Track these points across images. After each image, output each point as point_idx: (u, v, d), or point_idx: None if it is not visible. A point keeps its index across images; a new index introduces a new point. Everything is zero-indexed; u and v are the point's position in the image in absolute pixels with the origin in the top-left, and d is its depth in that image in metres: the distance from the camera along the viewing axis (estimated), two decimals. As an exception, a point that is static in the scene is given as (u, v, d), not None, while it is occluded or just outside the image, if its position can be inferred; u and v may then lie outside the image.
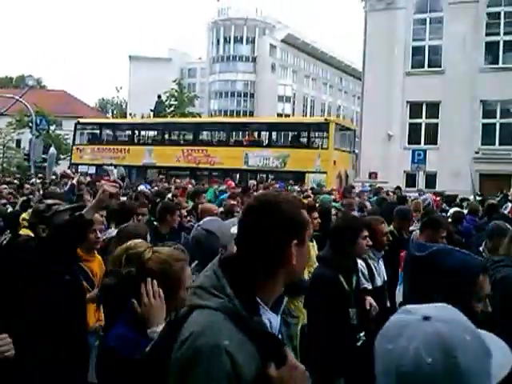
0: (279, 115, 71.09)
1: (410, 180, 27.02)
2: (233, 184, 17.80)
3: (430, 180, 27.37)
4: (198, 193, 9.98)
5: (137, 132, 32.62)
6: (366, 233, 4.50)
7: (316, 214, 6.39)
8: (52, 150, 22.78)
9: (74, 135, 34.12)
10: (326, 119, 28.22)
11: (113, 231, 5.31)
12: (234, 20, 73.32)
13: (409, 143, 29.55)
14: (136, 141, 31.72)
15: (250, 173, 25.73)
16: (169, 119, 38.54)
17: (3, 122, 48.32)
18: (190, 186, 15.53)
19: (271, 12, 78.54)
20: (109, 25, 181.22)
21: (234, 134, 29.34)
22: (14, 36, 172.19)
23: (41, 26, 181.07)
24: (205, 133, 30.54)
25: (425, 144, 28.92)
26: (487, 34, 28.33)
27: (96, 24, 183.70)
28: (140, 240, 2.69)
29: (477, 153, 28.15)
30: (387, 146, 29.47)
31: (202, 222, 3.66)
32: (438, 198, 14.60)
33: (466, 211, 10.41)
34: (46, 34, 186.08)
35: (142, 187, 14.97)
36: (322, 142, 25.90)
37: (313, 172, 24.19)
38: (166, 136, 31.18)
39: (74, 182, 11.74)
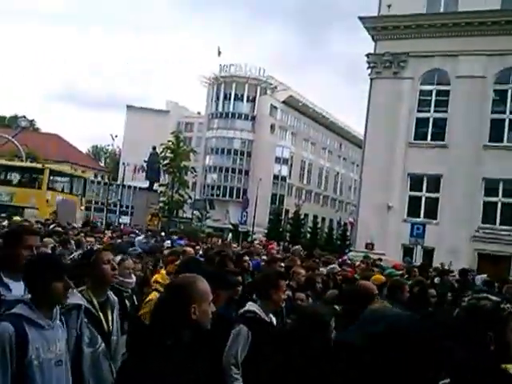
0: (275, 177, 70.80)
1: (408, 254, 26.02)
2: None
3: (427, 255, 26.29)
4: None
5: None
6: None
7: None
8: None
9: None
10: (42, 165, 32.80)
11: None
12: (236, 77, 73.75)
13: (408, 216, 28.59)
14: None
15: None
16: None
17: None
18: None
19: (273, 73, 79.33)
20: (107, 72, 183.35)
21: None
22: (8, 75, 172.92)
23: (38, 67, 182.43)
24: None
25: (424, 218, 27.95)
26: (493, 112, 27.83)
27: (94, 70, 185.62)
28: None
29: (477, 231, 27.23)
30: (386, 217, 28.49)
31: None
32: None
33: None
34: (41, 75, 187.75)
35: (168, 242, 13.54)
36: (38, 183, 31.03)
37: (29, 207, 27.33)
38: None
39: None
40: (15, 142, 39.95)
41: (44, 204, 28.65)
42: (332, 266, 8.70)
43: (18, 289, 3.56)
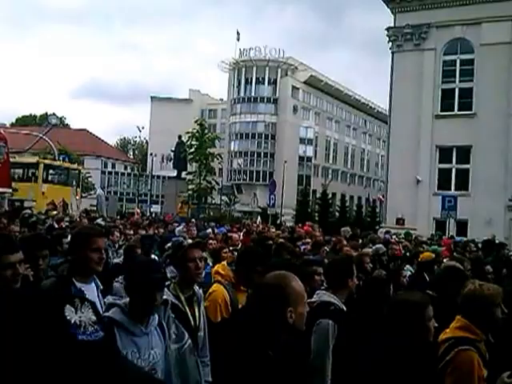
0: (301, 158, 70.53)
1: (440, 227, 25.75)
2: None
3: (461, 228, 26.07)
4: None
5: None
6: None
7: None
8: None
9: None
10: (37, 160, 34.27)
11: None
12: (256, 61, 73.39)
13: (438, 189, 28.32)
14: None
15: None
16: None
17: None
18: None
19: (293, 53, 78.65)
20: (131, 64, 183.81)
21: None
22: (36, 75, 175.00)
23: (63, 65, 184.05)
24: None
25: (455, 190, 27.64)
26: (521, 77, 27.27)
27: (118, 63, 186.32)
28: None
29: (510, 200, 26.83)
30: (415, 192, 28.31)
31: None
32: None
33: None
34: (67, 73, 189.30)
35: (209, 231, 13.35)
36: (33, 177, 32.86)
37: (28, 200, 28.90)
38: None
39: None
40: (47, 139, 40.72)
41: (40, 196, 30.24)
42: (378, 245, 8.59)
43: (90, 292, 3.49)
